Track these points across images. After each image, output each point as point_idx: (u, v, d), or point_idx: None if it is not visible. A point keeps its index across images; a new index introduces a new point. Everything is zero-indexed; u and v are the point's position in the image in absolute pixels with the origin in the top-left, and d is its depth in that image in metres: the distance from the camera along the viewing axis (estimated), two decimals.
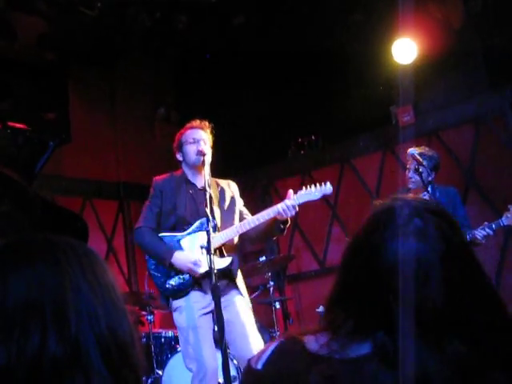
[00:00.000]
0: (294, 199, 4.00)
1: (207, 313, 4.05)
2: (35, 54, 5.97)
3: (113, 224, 8.03)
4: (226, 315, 3.84)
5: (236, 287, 4.15)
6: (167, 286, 4.12)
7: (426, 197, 5.03)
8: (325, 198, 4.13)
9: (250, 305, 4.25)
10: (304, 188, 4.06)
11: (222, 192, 4.27)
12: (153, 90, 8.58)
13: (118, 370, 1.01)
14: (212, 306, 3.95)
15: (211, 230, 3.76)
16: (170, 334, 5.84)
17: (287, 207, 3.94)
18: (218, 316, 3.43)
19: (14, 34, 5.80)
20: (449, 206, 4.92)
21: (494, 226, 4.73)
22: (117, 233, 8.03)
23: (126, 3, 6.66)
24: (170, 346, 5.78)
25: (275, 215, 4.02)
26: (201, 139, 4.19)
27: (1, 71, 5.83)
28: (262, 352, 1.35)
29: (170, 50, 8.05)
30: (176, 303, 4.11)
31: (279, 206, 3.98)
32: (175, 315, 4.14)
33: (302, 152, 8.26)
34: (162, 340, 5.81)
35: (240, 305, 4.11)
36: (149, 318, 5.86)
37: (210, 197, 3.89)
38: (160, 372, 5.45)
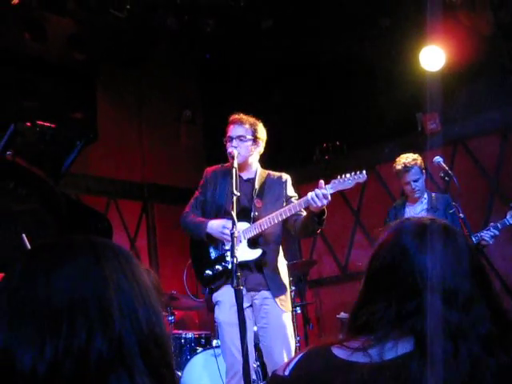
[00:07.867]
0: (325, 188, 3.90)
1: (244, 308, 4.03)
2: (65, 55, 6.05)
3: (136, 224, 8.09)
4: (258, 317, 4.01)
5: (268, 287, 4.09)
6: (204, 274, 4.19)
7: (424, 204, 5.07)
8: (359, 184, 4.03)
9: (287, 306, 4.16)
10: (338, 177, 3.99)
11: (268, 184, 4.33)
12: (179, 91, 8.64)
13: (157, 368, 1.02)
14: (249, 302, 4.04)
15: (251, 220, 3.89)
16: (189, 335, 5.86)
17: (317, 196, 3.85)
18: (238, 314, 3.44)
19: (44, 34, 5.89)
20: (446, 213, 4.96)
21: (499, 225, 4.73)
22: (140, 233, 8.08)
23: (154, 6, 6.72)
24: (190, 348, 5.80)
25: (307, 205, 3.96)
26: (234, 136, 4.21)
27: (31, 70, 5.92)
28: (290, 360, 1.37)
29: (196, 52, 8.10)
30: (215, 297, 4.18)
31: (309, 195, 3.90)
32: (215, 309, 4.19)
33: (327, 157, 8.23)
34: (182, 341, 5.83)
35: (271, 312, 4.07)
36: (169, 318, 5.90)
37: (253, 190, 4.17)
38: (179, 373, 5.47)
